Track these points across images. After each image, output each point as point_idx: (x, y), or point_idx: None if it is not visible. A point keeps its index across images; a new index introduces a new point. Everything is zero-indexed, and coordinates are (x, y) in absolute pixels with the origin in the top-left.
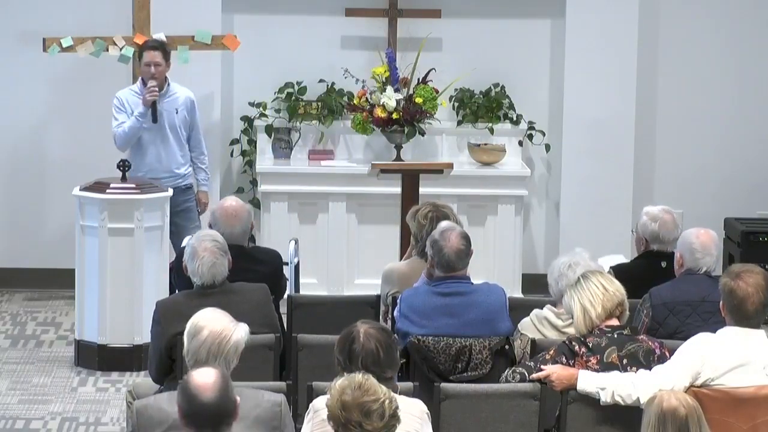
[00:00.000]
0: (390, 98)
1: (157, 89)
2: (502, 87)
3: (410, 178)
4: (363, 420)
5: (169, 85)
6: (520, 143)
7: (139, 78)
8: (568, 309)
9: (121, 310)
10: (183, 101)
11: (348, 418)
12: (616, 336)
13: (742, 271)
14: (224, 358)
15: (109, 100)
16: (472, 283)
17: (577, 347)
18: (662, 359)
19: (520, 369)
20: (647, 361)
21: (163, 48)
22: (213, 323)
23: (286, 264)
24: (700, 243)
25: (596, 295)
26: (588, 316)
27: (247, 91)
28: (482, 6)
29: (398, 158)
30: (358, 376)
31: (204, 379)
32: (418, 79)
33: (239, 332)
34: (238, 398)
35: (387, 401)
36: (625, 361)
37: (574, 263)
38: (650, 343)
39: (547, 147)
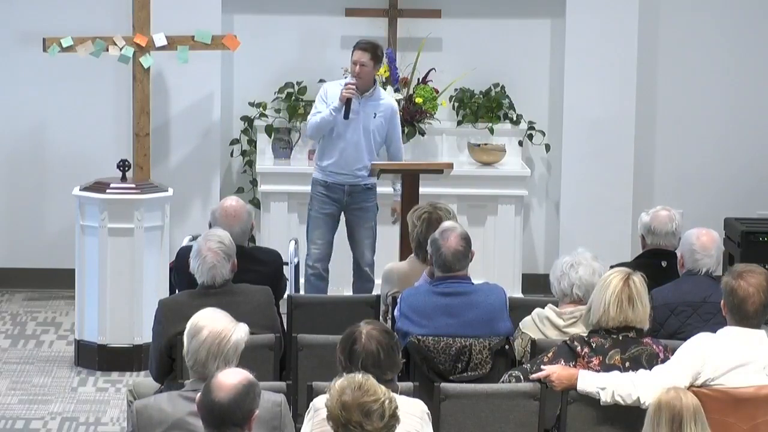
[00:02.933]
0: None
1: (353, 87)
2: (502, 87)
3: (410, 178)
4: (363, 420)
5: (377, 89)
6: (520, 143)
7: (350, 73)
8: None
9: (121, 310)
10: (384, 108)
11: (348, 419)
12: (621, 338)
13: (744, 271)
14: (224, 358)
15: (110, 100)
16: (472, 283)
17: (579, 348)
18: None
19: (517, 372)
20: (650, 365)
21: (374, 50)
22: (213, 323)
23: (286, 264)
24: (700, 244)
25: (625, 306)
26: (607, 315)
27: (247, 91)
28: (482, 6)
29: None
30: (358, 376)
31: (227, 378)
32: (418, 79)
33: (239, 332)
34: (257, 411)
35: (387, 401)
36: (627, 364)
37: (576, 263)
38: (655, 347)
39: (547, 147)
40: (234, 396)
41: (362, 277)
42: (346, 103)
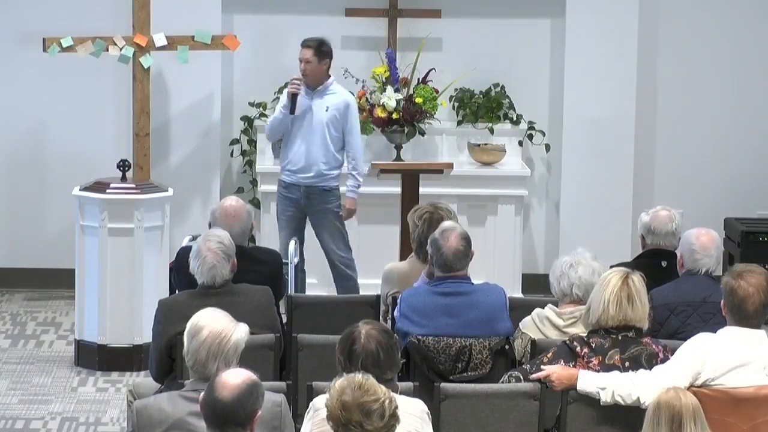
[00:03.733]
0: (390, 98)
1: (298, 82)
2: (502, 87)
3: (410, 178)
4: (363, 420)
5: (330, 84)
6: (520, 143)
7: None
8: (589, 300)
9: (121, 310)
10: (337, 102)
11: (348, 418)
12: (620, 338)
13: (744, 270)
14: (224, 358)
15: (109, 100)
16: (472, 283)
17: (578, 348)
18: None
19: (516, 373)
20: (650, 365)
21: (318, 47)
22: (213, 323)
23: (286, 264)
24: (700, 244)
25: (624, 305)
26: (606, 314)
27: (247, 91)
28: (482, 6)
29: (398, 158)
30: (358, 376)
31: (230, 378)
32: (418, 79)
33: (239, 332)
34: (259, 411)
35: (387, 401)
36: (627, 363)
37: (576, 263)
38: (654, 347)
39: (547, 147)
40: (237, 395)
41: (339, 274)
42: (292, 98)
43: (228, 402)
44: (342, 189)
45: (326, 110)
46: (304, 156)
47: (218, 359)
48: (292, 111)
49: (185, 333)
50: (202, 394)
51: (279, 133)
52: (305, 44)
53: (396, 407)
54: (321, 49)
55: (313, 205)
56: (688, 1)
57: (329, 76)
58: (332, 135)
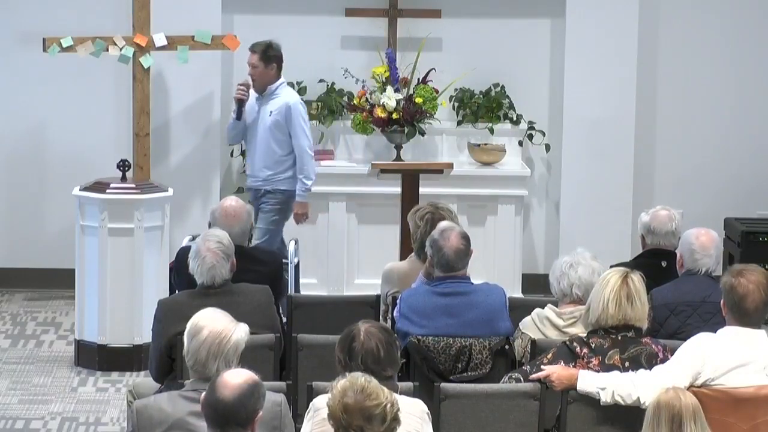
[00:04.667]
0: (390, 98)
1: (243, 88)
2: (502, 87)
3: (410, 178)
4: (364, 424)
5: (277, 88)
6: (520, 143)
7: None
8: (589, 299)
9: (121, 310)
10: (280, 106)
11: (349, 422)
12: (620, 338)
13: (743, 269)
14: (224, 358)
15: (109, 100)
16: (472, 283)
17: (578, 348)
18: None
19: (516, 374)
20: (650, 365)
21: (264, 51)
22: (213, 323)
23: (287, 264)
24: (699, 244)
25: (624, 304)
26: (606, 313)
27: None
28: (482, 6)
29: (398, 158)
30: (361, 379)
31: (232, 377)
32: (418, 79)
33: (239, 332)
34: (261, 412)
35: (389, 405)
36: (627, 363)
37: (576, 263)
38: (654, 346)
39: (547, 147)
40: (239, 395)
41: None
42: (238, 104)
43: (229, 402)
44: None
45: (270, 115)
46: (254, 161)
47: (218, 359)
48: (238, 117)
49: (185, 333)
50: (203, 393)
51: (235, 138)
52: (252, 49)
53: (398, 410)
54: (267, 54)
55: (257, 206)
56: (688, 1)
57: (279, 79)
58: (277, 139)
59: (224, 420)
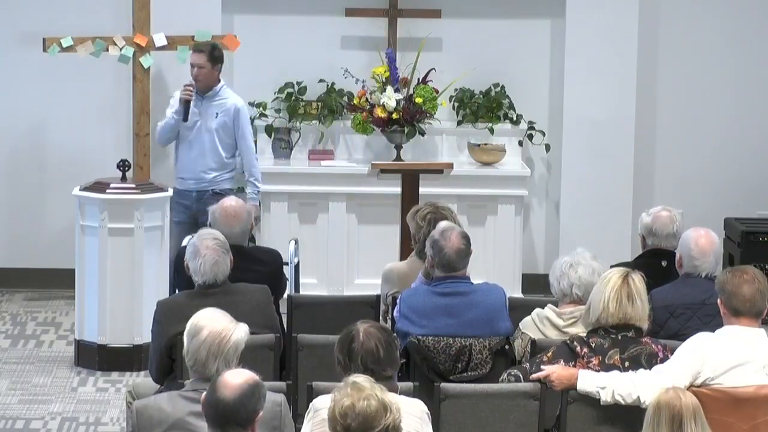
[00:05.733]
0: (390, 98)
1: (191, 88)
2: (502, 87)
3: (410, 178)
4: None
5: (221, 89)
6: (520, 143)
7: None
8: (590, 299)
9: (121, 310)
10: (227, 108)
11: None
12: (620, 338)
13: (736, 268)
14: (224, 358)
15: (109, 100)
16: (472, 283)
17: (578, 348)
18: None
19: (515, 371)
20: (650, 365)
21: (211, 52)
22: (213, 323)
23: (286, 264)
24: (699, 249)
25: (624, 303)
26: (606, 312)
27: (247, 91)
28: (482, 6)
29: (398, 158)
30: (362, 403)
31: (232, 377)
32: (418, 79)
33: (239, 332)
34: (261, 412)
35: (391, 425)
36: (627, 363)
37: (576, 263)
38: (654, 346)
39: (547, 147)
40: (239, 395)
41: None
42: (185, 105)
43: (230, 402)
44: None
45: (216, 116)
46: (195, 163)
47: (218, 359)
48: (185, 119)
49: (185, 333)
50: (204, 394)
51: (169, 138)
52: (198, 49)
53: (399, 422)
54: (214, 54)
55: (203, 211)
56: (688, 1)
57: (220, 81)
58: (223, 141)
59: (225, 420)
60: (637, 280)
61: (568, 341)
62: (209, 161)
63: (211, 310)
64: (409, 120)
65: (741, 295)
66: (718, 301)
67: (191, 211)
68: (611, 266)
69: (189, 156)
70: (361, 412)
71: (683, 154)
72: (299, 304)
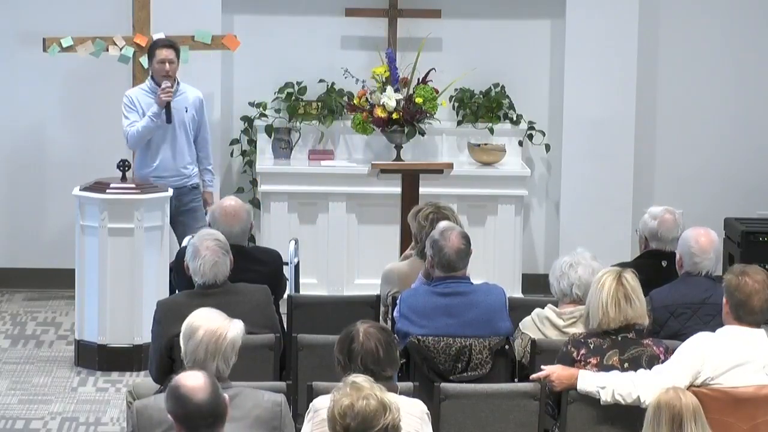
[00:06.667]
0: (390, 98)
1: (171, 89)
2: (502, 87)
3: (410, 178)
4: None
5: (178, 84)
6: (520, 143)
7: (149, 77)
8: (587, 305)
9: (121, 310)
10: (192, 100)
11: None
12: (620, 339)
13: (746, 268)
14: (222, 356)
15: (110, 100)
16: (472, 283)
17: (575, 353)
18: None
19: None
20: (650, 367)
21: (175, 46)
22: (208, 322)
23: (286, 264)
24: (699, 247)
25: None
26: (607, 317)
27: (247, 91)
28: (482, 6)
29: (398, 158)
30: (361, 403)
31: (194, 381)
32: (418, 79)
33: (235, 329)
34: (227, 397)
35: (390, 424)
36: (626, 365)
37: (576, 263)
38: (655, 348)
39: (547, 147)
40: (211, 393)
41: None
42: (166, 106)
43: (208, 403)
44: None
45: (186, 111)
46: (172, 159)
47: (217, 358)
48: (168, 120)
49: (181, 335)
50: (169, 409)
51: (144, 142)
52: (166, 44)
53: (399, 420)
54: (178, 48)
55: (183, 204)
56: (688, 2)
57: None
58: (191, 134)
59: (211, 421)
60: (630, 278)
61: (566, 345)
62: (187, 156)
63: (204, 310)
64: (409, 120)
65: (750, 307)
66: (723, 300)
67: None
68: (611, 266)
69: (166, 155)
70: (360, 411)
71: (683, 154)
72: (299, 304)
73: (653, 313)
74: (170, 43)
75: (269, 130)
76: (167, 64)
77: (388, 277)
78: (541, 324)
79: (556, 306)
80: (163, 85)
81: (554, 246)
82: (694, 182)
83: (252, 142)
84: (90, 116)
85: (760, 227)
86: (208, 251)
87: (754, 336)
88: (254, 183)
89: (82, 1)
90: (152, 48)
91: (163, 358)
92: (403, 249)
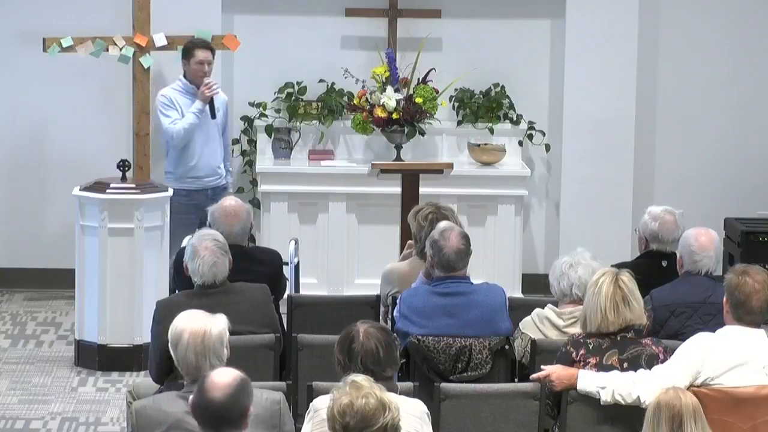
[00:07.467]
0: (390, 98)
1: (216, 85)
2: (502, 87)
3: (410, 178)
4: None
5: None
6: (520, 143)
7: (181, 76)
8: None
9: (121, 310)
10: (221, 102)
11: None
12: (619, 339)
13: (748, 268)
14: (213, 354)
15: (110, 100)
16: (472, 283)
17: (574, 353)
18: None
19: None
20: (650, 366)
21: (212, 47)
22: (190, 324)
23: (286, 264)
24: (699, 245)
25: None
26: (606, 321)
27: (247, 91)
28: (482, 6)
29: (398, 158)
30: (360, 401)
31: (219, 377)
32: (418, 79)
33: (218, 325)
34: (251, 408)
35: (390, 423)
36: (626, 364)
37: (575, 263)
38: (655, 348)
39: (547, 147)
40: (230, 394)
41: None
42: (210, 103)
43: (221, 402)
44: None
45: (218, 111)
46: (209, 159)
47: (207, 356)
48: (213, 116)
49: (169, 345)
50: (191, 398)
51: (188, 140)
52: (205, 45)
53: (399, 420)
54: (214, 50)
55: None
56: (688, 2)
57: None
58: (221, 135)
59: (218, 421)
60: (627, 280)
61: (566, 344)
62: (218, 156)
63: (186, 313)
64: (409, 120)
65: (749, 307)
66: (724, 299)
67: (200, 209)
68: (611, 266)
69: (203, 154)
70: (359, 410)
71: (683, 154)
72: (299, 304)
73: (653, 312)
74: (208, 44)
75: (269, 130)
76: (206, 65)
77: (388, 277)
78: (541, 324)
79: (556, 306)
80: (206, 81)
81: (554, 246)
82: (694, 182)
83: (252, 142)
84: (90, 116)
85: (760, 227)
86: (206, 252)
87: (753, 336)
88: (254, 183)
89: (82, 1)
90: (190, 48)
91: (162, 358)
92: (403, 249)
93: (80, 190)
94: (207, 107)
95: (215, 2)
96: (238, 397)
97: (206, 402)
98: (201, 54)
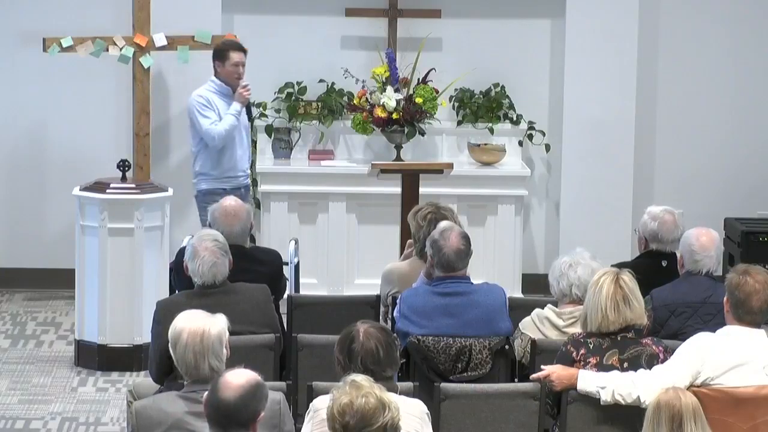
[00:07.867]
0: (390, 98)
1: (250, 88)
2: (502, 87)
3: (410, 178)
4: None
5: None
6: (520, 143)
7: (212, 77)
8: (585, 307)
9: (121, 310)
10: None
11: None
12: (619, 338)
13: (749, 268)
14: (212, 354)
15: (109, 100)
16: (472, 283)
17: (574, 353)
18: None
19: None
20: (650, 366)
21: (245, 49)
22: (189, 324)
23: (286, 264)
24: (700, 245)
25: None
26: (607, 320)
27: None
28: (482, 6)
29: (398, 158)
30: (360, 401)
31: (234, 378)
32: (418, 79)
33: (217, 324)
34: (263, 413)
35: (389, 423)
36: (626, 364)
37: (575, 263)
38: (655, 347)
39: (547, 147)
40: (241, 396)
41: None
42: (247, 105)
43: (231, 402)
44: None
45: (245, 112)
46: (242, 159)
47: (207, 356)
48: (250, 117)
49: (169, 345)
50: (205, 394)
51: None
52: (239, 47)
53: (398, 420)
54: (247, 52)
55: (245, 200)
56: (688, 2)
57: None
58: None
59: (226, 420)
60: (628, 280)
61: (566, 343)
62: (246, 156)
63: (185, 313)
64: (409, 120)
65: (749, 307)
66: (724, 299)
67: None
68: (611, 266)
69: (236, 154)
70: (359, 409)
71: (683, 154)
72: (299, 304)
73: (654, 311)
74: (241, 46)
75: (269, 130)
76: (241, 67)
77: (388, 277)
78: (540, 324)
79: (556, 306)
80: (243, 83)
81: (554, 246)
82: (694, 182)
83: (252, 142)
84: (90, 116)
85: (760, 227)
86: (206, 252)
87: (754, 336)
88: (254, 183)
89: (82, 1)
90: (223, 50)
91: (162, 358)
92: (403, 249)
93: (80, 190)
94: (244, 109)
95: (215, 2)
96: (249, 400)
97: (217, 400)
98: (236, 56)
